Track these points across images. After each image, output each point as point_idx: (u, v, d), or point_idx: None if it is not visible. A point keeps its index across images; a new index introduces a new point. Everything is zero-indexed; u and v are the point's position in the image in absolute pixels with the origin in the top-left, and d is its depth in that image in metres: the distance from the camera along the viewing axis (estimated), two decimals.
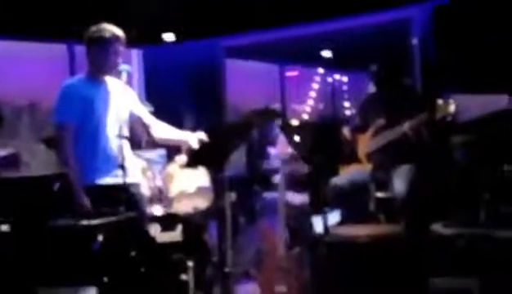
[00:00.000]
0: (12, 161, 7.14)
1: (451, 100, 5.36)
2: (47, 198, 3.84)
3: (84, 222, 4.07)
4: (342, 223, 5.88)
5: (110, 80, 4.93)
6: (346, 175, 6.10)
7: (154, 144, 5.62)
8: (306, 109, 12.98)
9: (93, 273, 3.98)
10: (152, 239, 5.05)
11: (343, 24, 8.65)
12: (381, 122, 5.86)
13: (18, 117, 9.30)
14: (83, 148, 4.68)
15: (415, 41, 7.87)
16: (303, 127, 9.49)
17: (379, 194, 5.75)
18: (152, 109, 5.85)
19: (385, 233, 5.13)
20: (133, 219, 4.42)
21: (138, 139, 5.47)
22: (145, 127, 5.13)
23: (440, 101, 5.39)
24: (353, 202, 5.87)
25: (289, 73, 12.72)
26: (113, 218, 4.20)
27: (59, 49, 9.11)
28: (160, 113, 5.64)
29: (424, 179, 5.68)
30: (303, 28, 9.00)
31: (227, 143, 5.18)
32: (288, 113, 12.18)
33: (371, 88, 6.24)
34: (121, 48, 4.86)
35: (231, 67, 10.16)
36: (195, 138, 5.03)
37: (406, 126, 5.60)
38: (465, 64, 6.87)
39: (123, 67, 4.92)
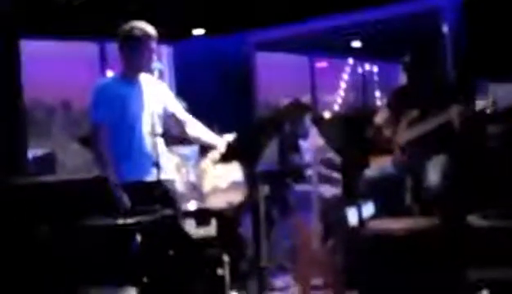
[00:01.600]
0: (48, 161, 7.24)
1: (489, 97, 5.32)
2: (84, 199, 3.87)
3: (121, 221, 4.10)
4: (376, 215, 5.86)
5: (143, 77, 4.95)
6: (378, 166, 6.07)
7: (187, 140, 5.65)
8: (336, 99, 12.96)
9: (132, 273, 4.01)
10: (188, 236, 5.07)
11: (373, 15, 8.61)
12: (415, 113, 5.82)
13: (51, 116, 9.40)
14: (118, 146, 4.71)
15: (445, 29, 7.81)
16: (334, 120, 9.49)
17: (414, 186, 5.72)
18: (184, 105, 5.88)
19: (421, 227, 5.10)
20: (169, 217, 4.45)
21: (172, 135, 5.49)
22: (179, 124, 5.16)
23: (478, 96, 5.35)
24: (387, 194, 5.85)
25: (318, 65, 12.70)
26: (149, 216, 4.22)
27: (90, 48, 9.17)
28: (191, 109, 5.67)
29: (459, 169, 5.64)
30: (332, 20, 8.97)
31: (259, 138, 5.19)
32: (318, 105, 12.17)
33: (403, 79, 6.19)
34: (154, 46, 4.88)
35: (260, 60, 10.17)
36: (224, 143, 5.05)
37: (451, 113, 5.53)
38: (498, 52, 6.80)
39: (156, 65, 4.95)
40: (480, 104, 5.35)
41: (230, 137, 5.08)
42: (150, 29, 4.85)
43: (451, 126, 5.55)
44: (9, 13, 5.00)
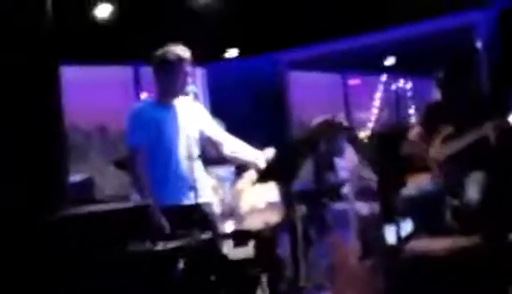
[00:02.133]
0: (87, 185, 7.29)
1: None
2: (126, 227, 3.89)
3: (161, 246, 4.11)
4: (414, 233, 5.82)
5: (178, 100, 4.95)
6: (416, 184, 6.02)
7: (223, 160, 5.66)
8: (371, 117, 12.92)
9: None
10: (227, 259, 5.07)
11: (406, 31, 8.60)
12: (450, 129, 5.78)
13: (88, 141, 9.49)
14: (155, 170, 4.73)
15: (479, 44, 7.76)
16: (369, 138, 9.46)
17: (454, 203, 5.66)
18: (224, 125, 5.90)
19: (462, 247, 5.04)
20: (208, 240, 4.45)
21: (209, 156, 5.51)
22: (216, 145, 5.16)
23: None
24: (425, 212, 5.79)
25: (352, 82, 12.68)
26: (188, 240, 4.23)
27: (124, 72, 9.26)
28: (226, 131, 5.68)
29: (498, 185, 5.58)
30: (364, 37, 8.97)
31: (295, 158, 5.19)
32: (352, 123, 12.13)
33: (437, 95, 6.15)
34: (188, 69, 4.88)
35: (293, 80, 10.19)
36: (263, 158, 5.04)
37: (486, 129, 5.49)
38: None
39: (190, 88, 4.96)
40: None
41: (270, 151, 5.08)
42: (185, 53, 4.86)
43: (487, 141, 5.50)
44: (51, 37, 5.05)
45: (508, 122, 5.40)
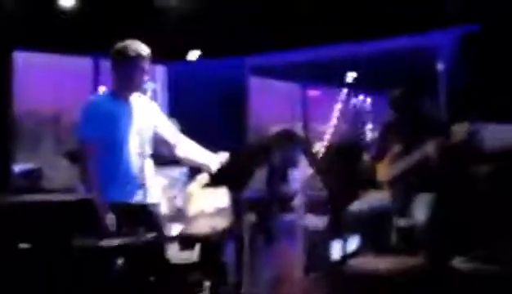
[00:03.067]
0: (35, 175, 7.19)
1: (465, 126, 5.30)
2: (70, 220, 3.84)
3: (104, 243, 4.06)
4: (361, 250, 5.84)
5: (134, 97, 4.91)
6: (366, 200, 6.06)
7: (176, 161, 5.61)
8: (328, 129, 12.95)
9: None
10: (171, 262, 5.03)
11: (369, 47, 8.64)
12: (399, 149, 5.82)
13: (41, 129, 9.35)
14: (105, 165, 4.67)
15: (441, 67, 7.83)
16: (324, 151, 9.49)
17: (400, 223, 5.69)
18: (177, 124, 5.85)
19: (406, 267, 5.07)
20: (153, 241, 4.41)
21: (162, 156, 5.46)
22: (170, 145, 5.12)
23: (455, 127, 5.34)
24: (373, 229, 5.82)
25: (312, 93, 12.70)
26: (133, 239, 4.18)
27: (84, 62, 9.16)
28: (183, 131, 5.64)
29: (445, 208, 5.62)
30: (328, 50, 9.00)
31: (248, 165, 5.17)
32: (310, 134, 12.15)
33: (392, 114, 6.20)
34: (146, 66, 4.83)
35: (254, 86, 10.17)
36: (217, 161, 5.01)
37: (422, 151, 5.55)
38: (493, 93, 6.82)
39: (149, 84, 4.91)
40: (456, 132, 5.33)
41: (223, 155, 5.04)
42: (144, 49, 4.81)
43: (432, 162, 5.54)
44: (4, 24, 4.97)
45: (450, 142, 5.44)
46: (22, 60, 6.51)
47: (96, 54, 8.89)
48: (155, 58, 4.96)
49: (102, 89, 8.72)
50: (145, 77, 4.84)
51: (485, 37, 7.21)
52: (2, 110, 4.78)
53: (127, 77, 4.80)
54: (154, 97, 5.08)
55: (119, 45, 4.84)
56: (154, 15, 7.86)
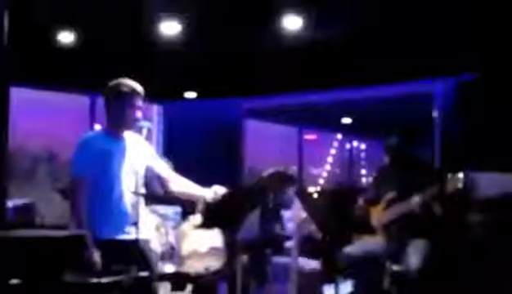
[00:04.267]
0: (28, 210, 7.17)
1: (460, 175, 5.31)
2: (59, 255, 3.81)
3: (94, 280, 4.03)
4: None
5: (128, 135, 4.91)
6: (359, 245, 6.04)
7: (169, 200, 5.60)
8: (322, 173, 12.98)
9: None
10: None
11: (365, 93, 8.71)
12: (392, 195, 5.82)
13: (36, 165, 9.35)
14: (98, 202, 4.66)
15: (436, 114, 7.88)
16: (318, 194, 9.48)
17: (394, 268, 5.67)
18: (169, 164, 5.86)
19: None
20: (144, 279, 4.38)
21: (154, 194, 5.45)
22: (163, 182, 5.12)
23: (449, 176, 5.35)
24: (366, 274, 5.79)
25: (307, 137, 12.76)
26: (123, 277, 4.16)
27: (81, 100, 9.20)
28: (178, 170, 5.64)
29: (438, 255, 5.61)
30: (323, 95, 9.06)
31: (242, 206, 5.15)
32: (304, 177, 12.17)
33: (385, 160, 6.21)
34: (139, 103, 4.83)
35: (250, 127, 10.22)
36: (211, 193, 5.00)
37: (414, 200, 5.55)
38: (487, 141, 6.85)
39: (144, 123, 4.90)
40: (451, 180, 5.33)
41: (220, 188, 5.03)
42: (137, 87, 4.83)
43: (426, 210, 5.54)
44: (1, 58, 5.00)
45: (437, 193, 5.44)
46: (18, 95, 6.53)
47: (93, 92, 8.93)
48: (152, 97, 4.98)
49: (98, 127, 8.75)
50: (139, 115, 4.84)
51: (480, 86, 7.27)
52: None
53: (119, 114, 4.81)
54: (149, 136, 5.07)
55: (112, 83, 4.87)
56: (151, 54, 7.91)
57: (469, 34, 6.79)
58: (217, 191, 5.00)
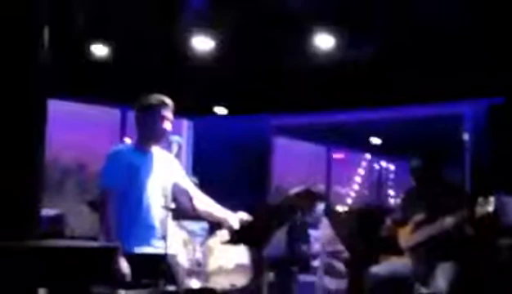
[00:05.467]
0: (58, 222, 7.23)
1: (491, 199, 5.27)
2: (89, 266, 3.84)
3: (122, 292, 4.05)
4: None
5: (156, 150, 4.94)
6: (387, 265, 6.00)
7: (197, 216, 5.61)
8: (350, 193, 12.95)
9: None
10: None
11: (395, 113, 8.68)
12: (420, 217, 5.79)
13: (66, 177, 9.43)
14: (126, 215, 4.68)
15: (466, 137, 7.84)
16: (346, 213, 9.46)
17: (422, 290, 5.63)
18: (197, 181, 5.87)
19: None
20: (171, 293, 4.39)
21: (182, 210, 5.47)
22: (189, 199, 5.13)
23: (480, 199, 5.32)
24: None
25: (335, 156, 12.74)
26: (151, 291, 4.17)
27: (112, 113, 9.28)
28: (205, 185, 5.66)
29: (466, 279, 5.56)
30: (353, 114, 9.05)
31: (269, 224, 5.16)
32: (332, 196, 12.15)
33: (412, 182, 6.18)
34: (169, 114, 4.85)
35: (279, 145, 10.23)
36: (236, 218, 5.00)
37: (447, 222, 5.52)
38: None
39: (175, 138, 4.92)
40: (481, 204, 5.30)
41: (243, 215, 5.04)
42: (165, 99, 4.87)
43: (458, 232, 5.51)
44: (38, 71, 5.08)
45: (468, 216, 5.41)
46: (51, 107, 6.60)
47: (124, 105, 9.00)
48: (182, 112, 5.00)
49: (128, 140, 8.81)
50: (168, 126, 4.86)
51: (510, 109, 7.23)
52: (32, 157, 4.84)
53: (149, 126, 4.84)
54: (179, 151, 5.09)
55: (142, 97, 4.91)
56: (183, 69, 7.96)
57: (500, 57, 6.77)
58: (242, 218, 5.01)
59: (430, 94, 7.70)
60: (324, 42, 7.34)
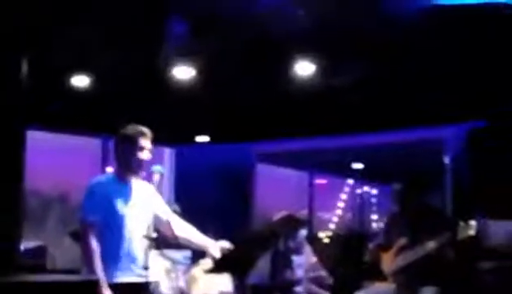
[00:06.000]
0: (39, 254, 7.18)
1: (472, 223, 5.31)
2: None
3: None
4: None
5: (137, 181, 4.93)
6: (370, 290, 6.02)
7: (179, 245, 5.60)
8: (334, 218, 12.96)
9: None
10: None
11: (376, 139, 8.73)
12: (403, 241, 5.80)
13: (47, 208, 9.38)
14: (108, 246, 4.67)
15: (447, 161, 7.88)
16: (329, 239, 9.47)
17: None
18: (178, 209, 5.86)
19: None
20: None
21: (164, 239, 5.45)
22: (169, 227, 5.11)
23: (461, 223, 5.35)
24: None
25: (318, 182, 12.76)
26: None
27: (93, 143, 9.26)
28: (188, 213, 5.65)
29: None
30: (335, 140, 9.09)
31: (252, 252, 5.15)
32: (315, 221, 12.15)
33: (395, 207, 6.21)
34: (147, 144, 4.84)
35: (261, 172, 10.24)
36: (217, 247, 5.00)
37: (429, 246, 5.54)
38: (498, 189, 6.84)
39: (156, 168, 4.92)
40: (463, 229, 5.33)
41: (225, 244, 5.03)
42: (143, 130, 4.87)
43: (440, 256, 5.53)
44: (16, 102, 5.09)
45: (449, 240, 5.44)
46: (30, 138, 6.60)
47: (106, 135, 8.99)
48: (164, 140, 5.01)
49: (109, 170, 8.80)
50: (146, 157, 4.85)
51: (490, 133, 7.28)
52: (11, 188, 4.82)
53: (127, 156, 4.83)
54: (161, 181, 5.09)
55: (121, 127, 4.91)
56: (164, 98, 7.98)
57: (479, 82, 6.84)
58: (224, 247, 5.00)
59: (411, 118, 7.75)
60: (305, 69, 7.39)
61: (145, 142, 4.82)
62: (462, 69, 6.72)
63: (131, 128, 4.85)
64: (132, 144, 4.79)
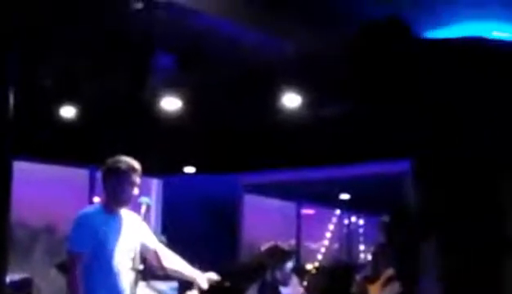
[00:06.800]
0: (25, 287, 7.13)
1: None
2: None
3: None
4: None
5: (124, 212, 4.93)
6: None
7: (166, 276, 5.58)
8: (321, 248, 12.95)
9: None
10: None
11: (362, 170, 8.76)
12: (390, 272, 5.82)
13: (34, 239, 9.34)
14: (95, 279, 4.66)
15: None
16: (316, 270, 9.46)
17: None
18: (165, 240, 5.85)
19: None
20: None
21: (151, 270, 5.44)
22: (157, 258, 5.10)
23: None
24: None
25: (305, 212, 12.77)
26: None
27: (80, 174, 9.25)
28: (175, 244, 5.63)
29: None
30: (321, 171, 9.12)
31: (240, 283, 5.15)
32: (303, 252, 12.14)
33: (382, 238, 6.23)
34: (137, 180, 4.86)
35: (248, 202, 10.25)
36: (204, 279, 4.99)
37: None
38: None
39: (143, 199, 4.92)
40: None
41: (212, 275, 5.02)
42: (135, 164, 4.87)
43: None
44: (5, 133, 5.09)
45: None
46: (17, 168, 6.60)
47: (93, 166, 8.98)
48: (151, 171, 5.01)
49: (97, 200, 8.78)
50: (136, 192, 4.86)
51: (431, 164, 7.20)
52: None
53: (117, 190, 4.83)
54: (148, 211, 5.09)
55: (111, 159, 4.91)
56: (151, 129, 8.00)
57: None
58: (211, 278, 4.99)
59: (397, 150, 7.77)
60: (292, 100, 7.43)
61: (136, 178, 4.83)
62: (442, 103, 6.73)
63: (123, 162, 4.84)
64: (123, 179, 4.79)
